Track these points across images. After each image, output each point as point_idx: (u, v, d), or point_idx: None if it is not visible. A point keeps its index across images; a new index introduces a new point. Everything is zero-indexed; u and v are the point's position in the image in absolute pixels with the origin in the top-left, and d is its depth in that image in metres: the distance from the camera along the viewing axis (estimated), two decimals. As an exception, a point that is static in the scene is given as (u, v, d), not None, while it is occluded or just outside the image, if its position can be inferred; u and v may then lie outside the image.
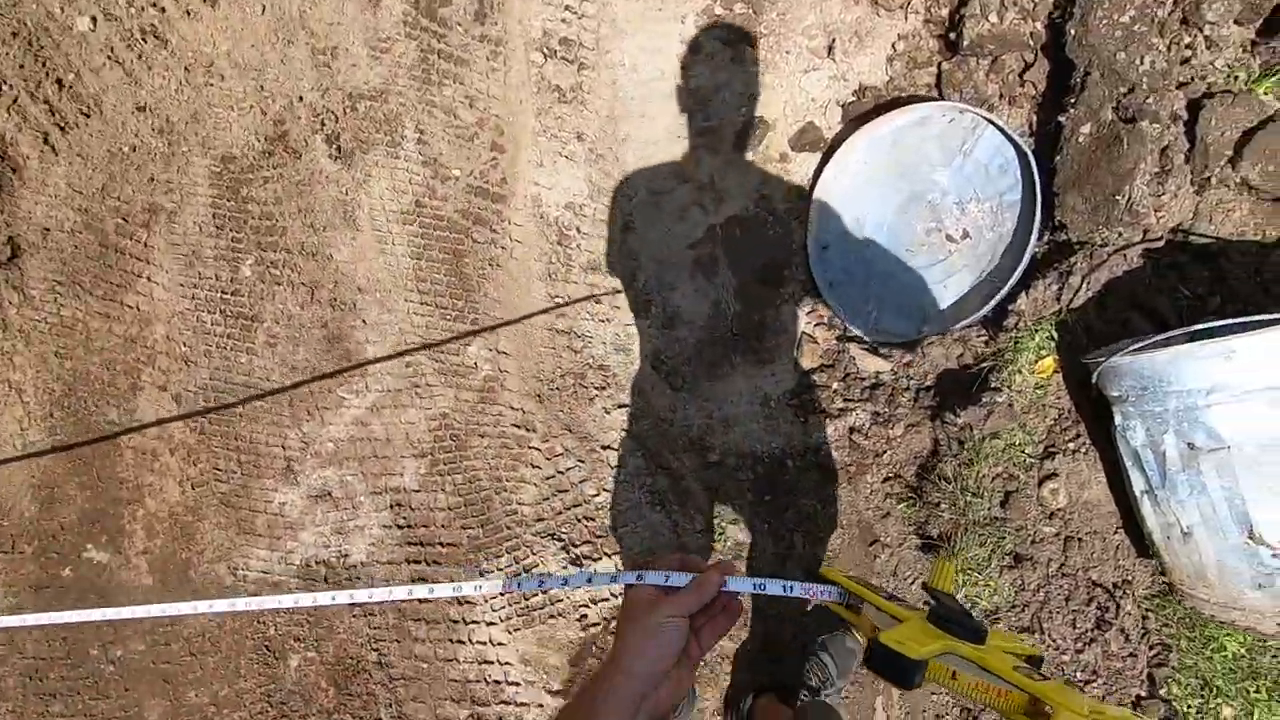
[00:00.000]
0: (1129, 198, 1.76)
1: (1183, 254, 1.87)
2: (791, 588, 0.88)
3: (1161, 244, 1.83)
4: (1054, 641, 1.89)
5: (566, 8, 2.71)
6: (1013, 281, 1.94)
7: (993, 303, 1.97)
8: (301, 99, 2.82)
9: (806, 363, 2.41)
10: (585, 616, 2.39)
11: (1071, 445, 1.94)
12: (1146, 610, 1.94)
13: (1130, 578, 1.94)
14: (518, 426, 2.60)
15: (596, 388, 2.57)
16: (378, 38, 2.81)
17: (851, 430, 2.30)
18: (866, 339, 2.25)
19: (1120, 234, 1.82)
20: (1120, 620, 1.87)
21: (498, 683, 2.38)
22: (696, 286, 2.56)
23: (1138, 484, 1.72)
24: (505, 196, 2.72)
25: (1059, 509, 1.92)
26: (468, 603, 2.46)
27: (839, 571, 0.92)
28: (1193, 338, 1.52)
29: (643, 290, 2.60)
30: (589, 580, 1.01)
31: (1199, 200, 1.79)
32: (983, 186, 2.10)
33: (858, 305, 2.30)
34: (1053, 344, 1.93)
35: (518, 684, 2.37)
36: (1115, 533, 1.93)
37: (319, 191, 2.74)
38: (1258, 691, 1.86)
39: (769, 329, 2.48)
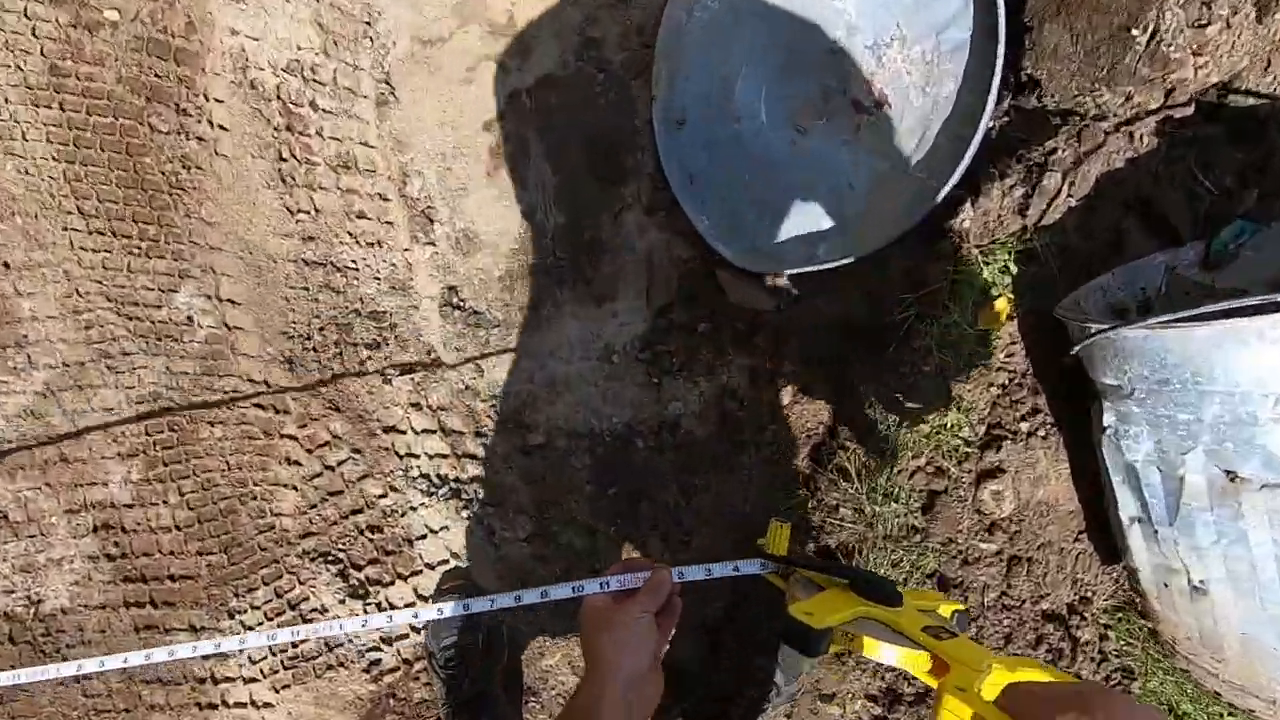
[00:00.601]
0: (1152, 34, 1.01)
1: (1212, 124, 1.16)
2: (738, 567, 0.96)
3: (1190, 110, 1.11)
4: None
5: None
6: (954, 179, 1.20)
7: (922, 212, 1.24)
8: None
9: (661, 297, 1.66)
10: (377, 664, 1.76)
11: (1024, 426, 1.31)
12: (1105, 627, 1.43)
13: (1090, 593, 1.41)
14: (262, 407, 1.81)
15: (369, 345, 1.78)
16: None
17: (724, 394, 1.62)
18: (740, 263, 1.51)
19: (1130, 97, 1.08)
20: (1076, 660, 1.34)
21: (269, 751, 1.77)
22: (498, 189, 1.72)
23: (1126, 507, 1.12)
24: (194, 54, 1.74)
25: (1002, 518, 1.33)
26: (217, 656, 1.79)
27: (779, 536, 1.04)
28: (1260, 310, 0.84)
29: (420, 198, 1.74)
30: (574, 589, 0.96)
31: (1255, 36, 1.06)
32: (910, 18, 1.30)
33: (729, 213, 1.54)
34: (1009, 278, 1.25)
35: (295, 752, 1.77)
36: (1075, 540, 1.37)
37: (-125, 55, 1.69)
38: (1232, 715, 1.40)
39: (607, 250, 1.70)
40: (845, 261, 1.35)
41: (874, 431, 1.37)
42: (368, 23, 1.70)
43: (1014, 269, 1.23)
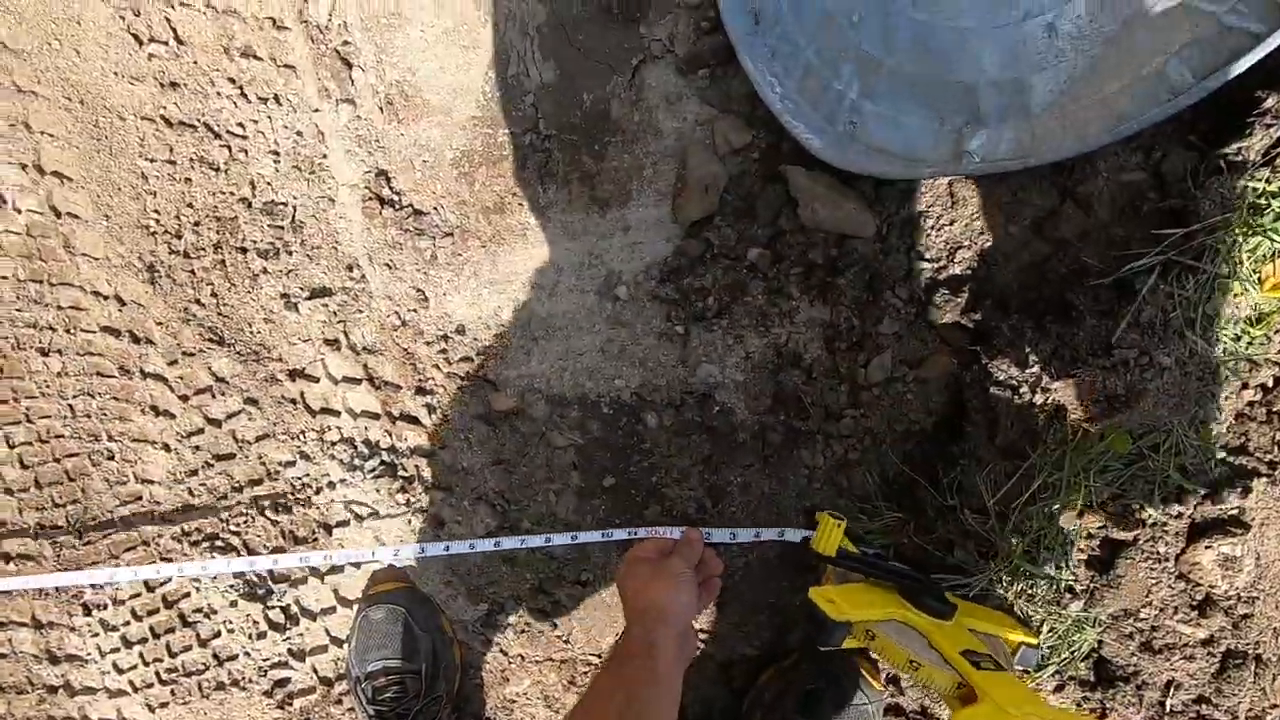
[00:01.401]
0: None
1: None
2: (782, 532, 0.99)
3: None
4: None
5: None
6: (1258, 54, 0.61)
7: (1205, 85, 0.66)
8: None
9: (695, 207, 1.10)
10: (284, 684, 1.31)
11: (1293, 458, 0.79)
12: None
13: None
14: (115, 333, 1.27)
15: (262, 252, 1.22)
16: None
17: (782, 358, 1.09)
18: (828, 158, 0.94)
19: None
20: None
21: (146, 779, 1.35)
22: (452, 19, 1.11)
23: None
24: None
25: (1227, 593, 0.84)
26: (75, 659, 1.34)
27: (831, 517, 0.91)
28: None
29: (330, 28, 1.13)
30: (603, 534, 1.06)
31: None
32: None
33: (818, 75, 0.95)
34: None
35: (180, 783, 1.35)
36: (1321, 626, 0.88)
37: None
38: None
39: (617, 128, 1.12)
40: (1026, 164, 0.78)
41: (1036, 442, 0.85)
42: None
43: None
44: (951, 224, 0.95)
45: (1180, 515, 0.84)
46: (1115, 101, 0.75)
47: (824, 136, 0.96)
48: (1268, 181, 0.68)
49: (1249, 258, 0.71)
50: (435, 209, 1.16)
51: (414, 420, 1.22)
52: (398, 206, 1.17)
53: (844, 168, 0.94)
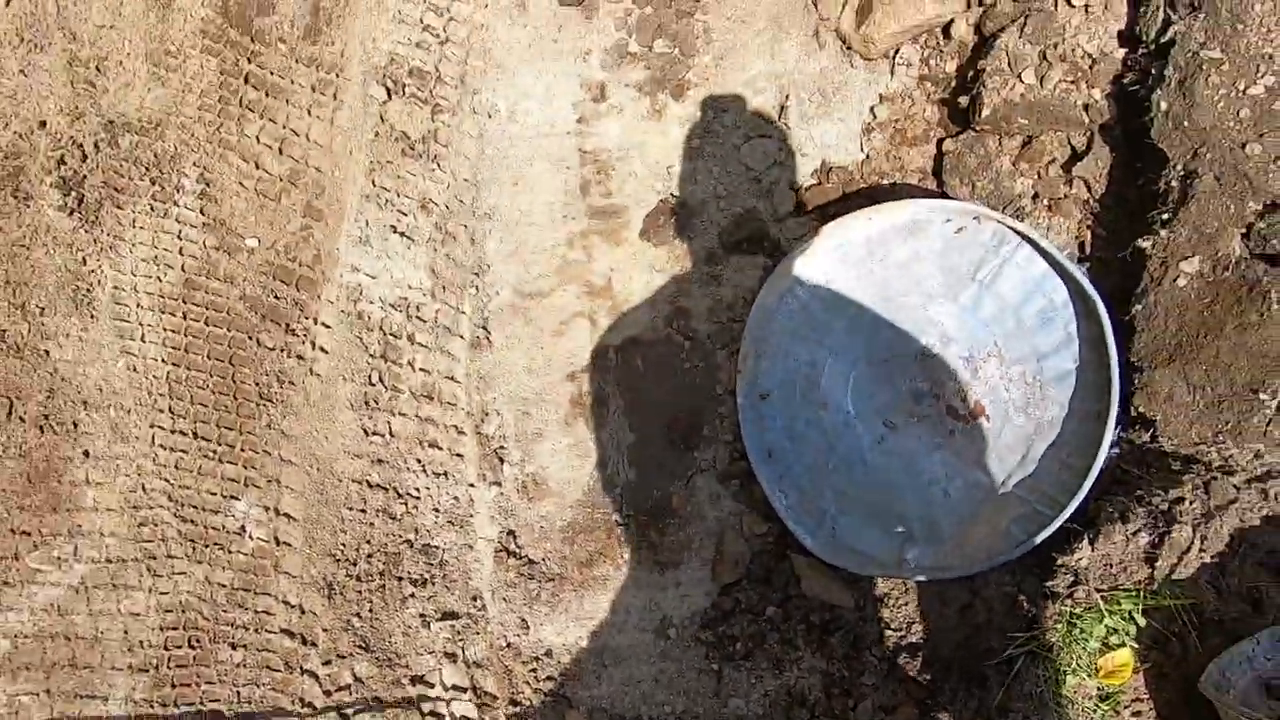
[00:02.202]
0: (1280, 398, 0.98)
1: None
2: None
3: (1329, 475, 1.04)
4: None
5: (425, 26, 1.93)
6: (1066, 514, 1.12)
7: (1028, 543, 1.15)
8: (44, 124, 1.98)
9: (728, 573, 1.56)
10: None
11: (1161, 810, 1.10)
12: None
13: None
14: (291, 634, 1.70)
15: (414, 581, 1.69)
16: (165, 50, 2.00)
17: (792, 698, 1.44)
18: (816, 553, 1.42)
19: (1260, 455, 1.03)
20: None
21: None
22: (574, 438, 1.72)
23: None
24: (314, 283, 1.88)
25: None
26: None
27: None
28: None
29: (495, 436, 1.75)
30: None
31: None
32: (1010, 340, 1.32)
33: (809, 496, 1.48)
34: (1133, 629, 1.12)
35: None
36: None
37: (39, 257, 1.87)
38: None
39: (676, 514, 1.64)
40: (941, 575, 1.25)
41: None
42: (476, 274, 1.84)
43: (1140, 620, 1.10)
44: (907, 604, 1.39)
45: None
46: (988, 542, 1.23)
47: (814, 537, 1.45)
48: (1071, 607, 1.12)
49: (1084, 653, 1.11)
50: (544, 559, 1.65)
51: (504, 729, 1.56)
52: (518, 557, 1.66)
53: (828, 560, 1.41)
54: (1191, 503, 1.07)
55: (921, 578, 1.24)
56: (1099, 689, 1.12)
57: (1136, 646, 1.12)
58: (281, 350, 1.85)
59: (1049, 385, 1.24)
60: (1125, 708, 1.14)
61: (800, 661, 1.46)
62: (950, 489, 1.31)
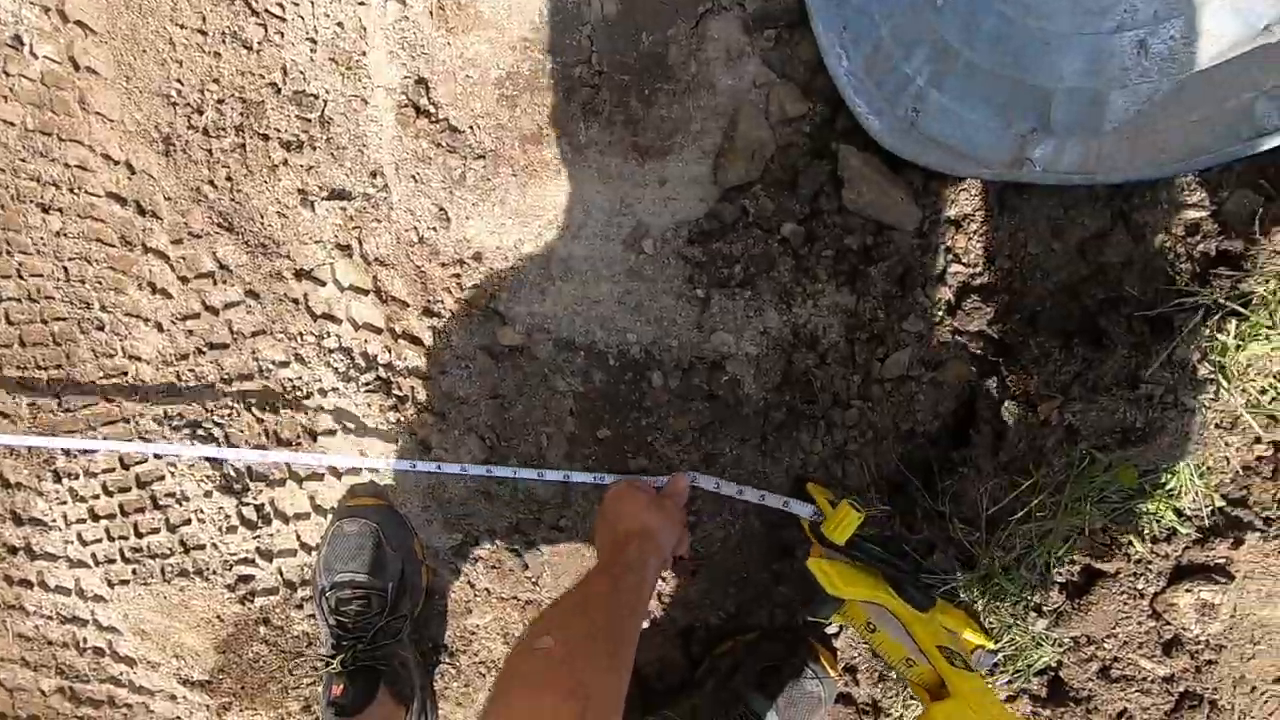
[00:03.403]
0: None
1: None
2: (764, 496, 1.01)
3: None
4: None
5: None
6: None
7: (1272, 135, 0.65)
8: None
9: (738, 170, 1.07)
10: (248, 581, 1.31)
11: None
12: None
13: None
14: (120, 199, 1.23)
15: (286, 143, 1.18)
16: None
17: (798, 338, 1.08)
18: (885, 142, 0.92)
19: None
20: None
21: (99, 652, 1.36)
22: (521, -70, 1.06)
23: None
24: None
25: (1197, 637, 0.85)
26: (36, 522, 1.33)
27: (825, 493, 0.96)
28: None
29: (392, -84, 1.07)
30: (595, 478, 1.09)
31: None
32: None
33: (886, 53, 0.92)
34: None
35: (132, 661, 1.36)
36: (1275, 682, 0.90)
37: None
38: None
39: (671, 77, 1.08)
40: (1090, 181, 0.76)
41: (1040, 462, 0.85)
42: None
43: None
44: (995, 231, 0.94)
45: (1167, 556, 0.85)
46: (1194, 132, 0.73)
47: (884, 119, 0.93)
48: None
49: (1291, 311, 0.70)
50: (471, 128, 1.12)
51: (417, 340, 1.20)
52: (433, 119, 1.12)
53: (900, 155, 0.91)
54: None
55: (1057, 182, 0.75)
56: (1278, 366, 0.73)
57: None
58: None
59: None
60: (1300, 391, 0.76)
61: (819, 296, 1.06)
62: (1155, 37, 0.75)
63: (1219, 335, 0.71)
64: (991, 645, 0.92)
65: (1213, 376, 0.72)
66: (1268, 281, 0.69)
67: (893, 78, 0.94)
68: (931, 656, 0.78)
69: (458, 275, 1.17)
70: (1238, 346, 0.71)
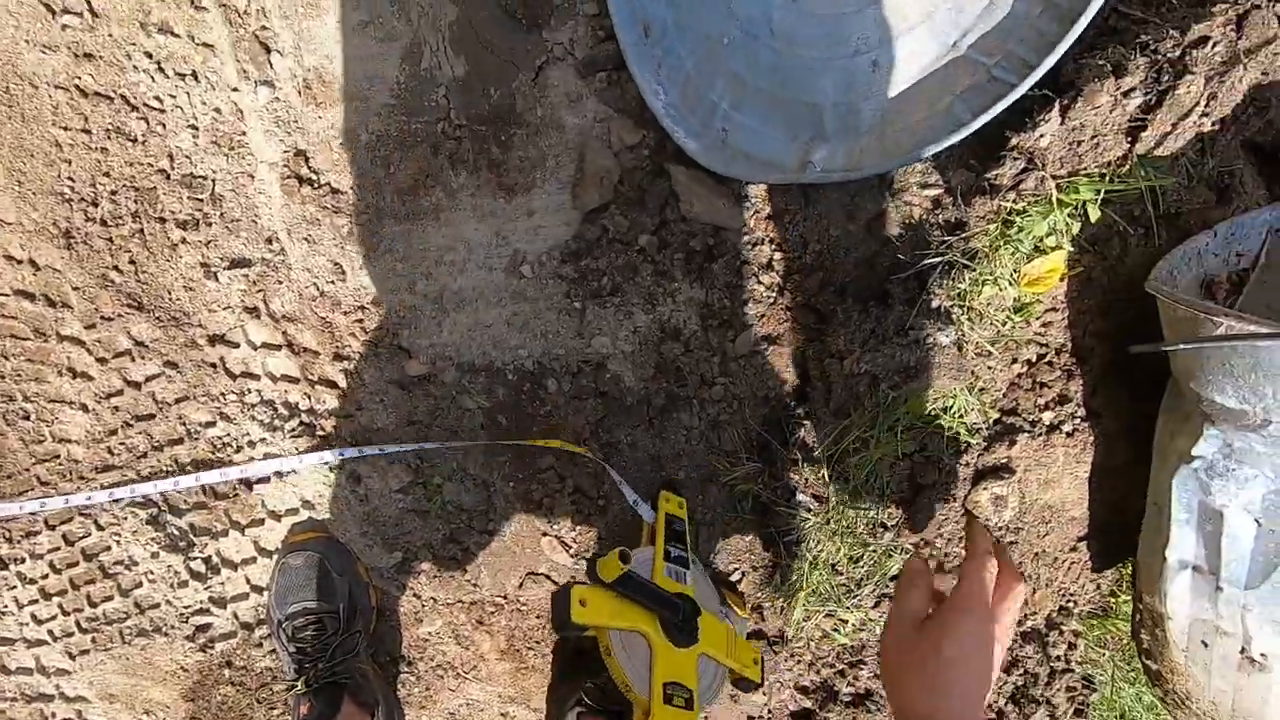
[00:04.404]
0: None
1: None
2: (636, 502, 1.13)
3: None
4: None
5: None
6: (1041, 71, 0.81)
7: (978, 118, 0.86)
8: None
9: (592, 197, 1.24)
10: (205, 629, 1.41)
11: (1047, 417, 1.02)
12: (1075, 634, 1.24)
13: (1071, 603, 1.20)
14: (30, 297, 1.31)
15: (182, 223, 1.28)
16: None
17: (665, 333, 1.25)
18: (702, 161, 1.10)
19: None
20: (1047, 691, 1.14)
21: (67, 723, 1.43)
22: (367, 12, 1.20)
23: (1180, 549, 0.86)
24: None
25: (998, 525, 1.07)
26: (-14, 610, 1.39)
27: (676, 500, 1.09)
28: None
29: (249, 13, 1.20)
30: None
31: None
32: None
33: (697, 88, 1.10)
34: (1075, 229, 0.90)
35: (101, 725, 1.43)
36: (1071, 550, 1.13)
37: None
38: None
39: (522, 123, 1.24)
40: (853, 176, 0.96)
41: (857, 405, 1.05)
42: None
43: (1094, 214, 0.88)
44: (804, 221, 1.13)
45: (967, 464, 1.05)
46: (918, 129, 0.93)
47: (700, 141, 1.11)
48: (1014, 202, 0.88)
49: (1011, 259, 0.91)
50: (352, 188, 1.26)
51: (332, 384, 1.32)
52: (316, 185, 1.25)
53: (717, 170, 1.09)
54: (1215, 44, 0.77)
55: (832, 179, 0.95)
56: (1016, 299, 0.94)
57: (1071, 249, 0.92)
58: None
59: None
60: (1037, 318, 0.98)
61: (676, 294, 1.24)
62: (881, 58, 0.95)
63: (958, 284, 0.92)
64: (756, 679, 0.98)
65: (962, 317, 0.93)
66: (983, 238, 0.90)
67: (702, 105, 1.12)
68: (653, 692, 0.80)
69: (360, 320, 1.30)
70: (972, 292, 0.91)
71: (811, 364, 1.10)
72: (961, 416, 1.01)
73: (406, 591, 1.42)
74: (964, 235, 0.91)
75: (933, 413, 1.01)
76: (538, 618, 1.44)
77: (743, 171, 1.07)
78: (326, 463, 1.32)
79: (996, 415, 1.02)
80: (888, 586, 1.15)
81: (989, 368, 0.98)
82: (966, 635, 0.61)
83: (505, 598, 1.43)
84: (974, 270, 0.90)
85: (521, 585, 1.41)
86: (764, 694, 1.38)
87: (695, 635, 0.89)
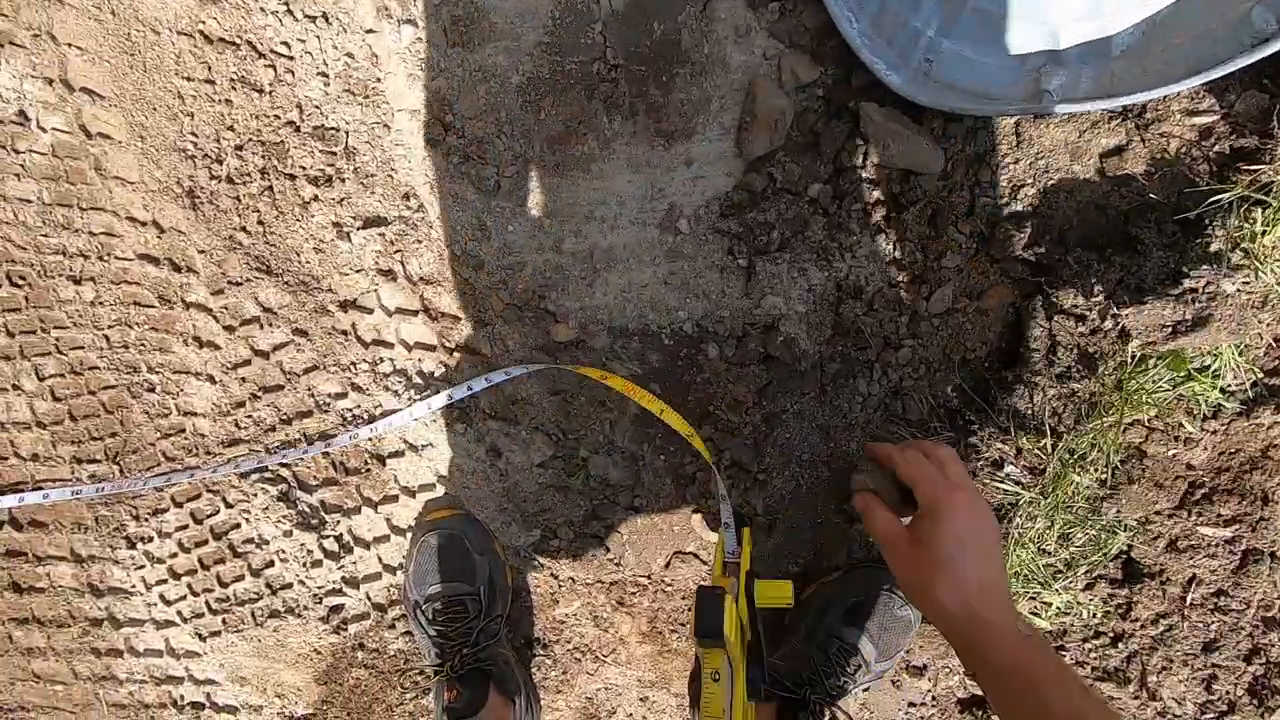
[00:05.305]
0: None
1: None
2: (727, 525, 1.00)
3: None
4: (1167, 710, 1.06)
5: None
6: None
7: (1265, 45, 0.72)
8: None
9: (761, 141, 1.12)
10: (339, 610, 1.34)
11: (1319, 378, 0.89)
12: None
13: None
14: (153, 259, 1.23)
15: (313, 179, 1.19)
16: None
17: (842, 291, 1.14)
18: (909, 94, 0.98)
19: None
20: (1288, 681, 1.03)
21: (197, 706, 1.38)
22: (523, -61, 1.09)
23: None
24: None
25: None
26: (116, 591, 1.34)
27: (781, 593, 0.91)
28: None
29: (393, -58, 1.09)
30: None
31: None
32: None
33: (892, 10, 0.98)
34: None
35: (234, 709, 1.38)
36: (1320, 528, 1.01)
37: None
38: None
39: (685, 61, 1.12)
40: (1104, 106, 0.84)
41: (1089, 366, 0.93)
42: None
43: None
44: (1016, 162, 1.01)
45: (1215, 432, 0.93)
46: (1198, 46, 0.80)
47: (901, 73, 0.99)
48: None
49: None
50: (499, 136, 1.15)
51: (474, 351, 1.23)
52: (460, 133, 1.15)
53: (926, 104, 0.97)
54: None
55: (1079, 109, 0.82)
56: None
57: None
58: None
59: None
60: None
61: (856, 248, 1.12)
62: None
63: (1246, 224, 0.79)
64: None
65: (1244, 263, 0.81)
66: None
67: (903, 33, 0.99)
68: None
69: (504, 281, 1.20)
70: (1264, 232, 0.79)
71: (1030, 322, 0.98)
72: (1219, 377, 0.89)
73: (544, 571, 1.34)
74: (1259, 168, 0.78)
75: (1187, 373, 0.89)
76: (683, 599, 1.35)
77: (962, 104, 0.95)
78: (439, 407, 1.22)
79: (1260, 376, 0.90)
80: (1106, 568, 1.04)
81: (1259, 320, 0.86)
82: (949, 529, 0.69)
83: (649, 577, 1.34)
84: (1271, 206, 0.78)
85: (668, 565, 1.32)
86: (929, 680, 1.29)
87: (763, 691, 0.87)
